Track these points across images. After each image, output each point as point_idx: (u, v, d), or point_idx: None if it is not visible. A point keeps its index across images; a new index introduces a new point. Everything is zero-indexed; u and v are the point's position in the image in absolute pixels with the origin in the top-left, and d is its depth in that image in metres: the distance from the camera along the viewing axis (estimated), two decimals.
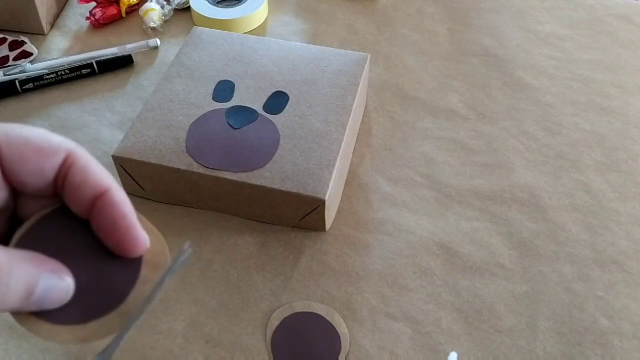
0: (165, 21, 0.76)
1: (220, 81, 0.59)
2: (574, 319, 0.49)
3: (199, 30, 0.65)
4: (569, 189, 0.58)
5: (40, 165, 0.23)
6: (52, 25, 0.76)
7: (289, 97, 0.57)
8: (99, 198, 0.23)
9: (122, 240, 0.24)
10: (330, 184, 0.50)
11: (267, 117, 0.55)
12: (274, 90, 0.58)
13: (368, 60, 0.61)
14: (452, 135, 0.63)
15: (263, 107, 0.56)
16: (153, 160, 0.52)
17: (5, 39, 0.73)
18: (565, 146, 0.62)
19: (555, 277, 0.51)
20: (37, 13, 0.72)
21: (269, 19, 0.78)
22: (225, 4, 0.77)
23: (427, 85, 0.69)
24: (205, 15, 0.74)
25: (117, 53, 0.71)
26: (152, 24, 0.74)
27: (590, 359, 0.46)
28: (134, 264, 0.24)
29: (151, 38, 0.73)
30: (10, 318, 0.49)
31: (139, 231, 0.24)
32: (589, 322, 0.48)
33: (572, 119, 0.65)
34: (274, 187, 0.50)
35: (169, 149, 0.53)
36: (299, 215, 0.52)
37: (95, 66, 0.68)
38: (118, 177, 0.57)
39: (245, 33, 0.74)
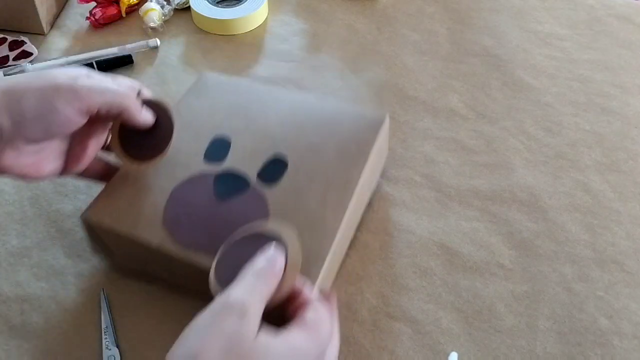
0: (165, 21, 0.76)
1: (215, 137, 0.53)
2: (574, 319, 0.49)
3: (206, 76, 0.59)
4: (569, 189, 0.58)
5: (110, 107, 0.43)
6: (52, 25, 0.76)
7: (287, 166, 0.50)
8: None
9: None
10: (317, 282, 0.43)
11: (258, 191, 0.49)
12: (273, 154, 0.51)
13: (386, 121, 0.53)
14: (452, 135, 0.63)
15: (258, 174, 0.50)
16: (124, 229, 0.47)
17: (5, 39, 0.73)
18: (565, 146, 0.62)
19: (555, 277, 0.51)
20: (37, 13, 0.72)
21: (269, 19, 0.78)
22: (225, 4, 0.77)
23: (427, 85, 0.69)
24: (205, 15, 0.74)
25: (117, 53, 0.71)
26: (152, 24, 0.74)
27: (590, 359, 0.46)
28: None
29: (151, 38, 0.73)
30: (10, 318, 0.48)
31: None
32: (589, 322, 0.48)
33: (572, 119, 0.65)
34: None
35: (144, 216, 0.47)
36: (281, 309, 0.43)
37: (95, 66, 0.68)
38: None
39: (245, 33, 0.75)
